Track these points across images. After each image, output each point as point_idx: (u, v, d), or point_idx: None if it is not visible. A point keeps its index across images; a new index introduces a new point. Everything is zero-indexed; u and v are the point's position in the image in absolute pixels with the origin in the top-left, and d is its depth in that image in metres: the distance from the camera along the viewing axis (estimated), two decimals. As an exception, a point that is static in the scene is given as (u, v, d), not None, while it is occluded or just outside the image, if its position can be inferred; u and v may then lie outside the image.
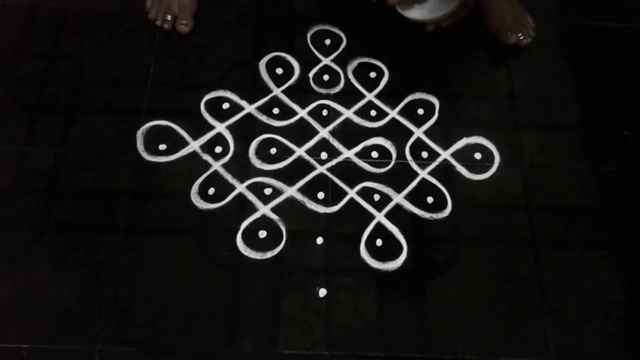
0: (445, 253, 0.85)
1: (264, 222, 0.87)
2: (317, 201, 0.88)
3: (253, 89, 0.98)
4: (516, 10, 1.03)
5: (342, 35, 1.04)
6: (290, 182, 0.90)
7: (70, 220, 0.86)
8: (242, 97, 0.97)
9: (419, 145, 0.94)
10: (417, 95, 0.98)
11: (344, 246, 0.85)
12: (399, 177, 0.91)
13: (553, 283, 0.83)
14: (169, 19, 1.02)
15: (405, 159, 0.92)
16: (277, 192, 0.89)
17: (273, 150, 0.92)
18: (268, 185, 0.89)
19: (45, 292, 0.81)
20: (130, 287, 0.81)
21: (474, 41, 1.04)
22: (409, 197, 0.89)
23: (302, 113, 0.96)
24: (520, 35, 1.02)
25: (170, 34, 1.03)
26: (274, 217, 0.87)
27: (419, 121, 0.96)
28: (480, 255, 0.85)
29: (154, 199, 0.88)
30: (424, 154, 0.93)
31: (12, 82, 0.98)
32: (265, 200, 0.88)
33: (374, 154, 0.93)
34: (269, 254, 0.84)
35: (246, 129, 0.94)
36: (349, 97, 0.98)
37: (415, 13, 0.98)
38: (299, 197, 0.89)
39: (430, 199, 0.89)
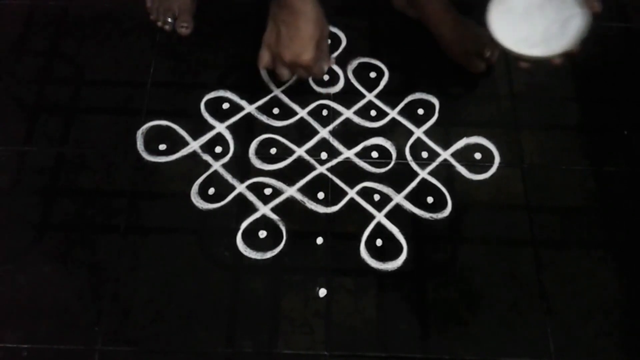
0: (445, 253, 0.85)
1: (264, 222, 0.87)
2: (317, 201, 0.88)
3: (253, 89, 0.98)
4: (467, 26, 0.97)
5: (342, 35, 1.04)
6: (290, 182, 0.90)
7: (70, 220, 0.86)
8: (242, 97, 0.97)
9: (419, 145, 0.94)
10: (417, 95, 0.98)
11: (344, 246, 0.85)
12: (399, 177, 0.91)
13: (553, 283, 0.83)
14: (169, 20, 1.02)
15: (405, 159, 0.92)
16: (277, 192, 0.89)
17: (273, 150, 0.92)
18: (268, 185, 0.89)
19: (45, 292, 0.81)
20: (130, 287, 0.81)
21: (474, 41, 1.04)
22: (409, 197, 0.89)
23: (302, 113, 0.96)
24: (487, 53, 0.96)
25: (170, 33, 1.03)
26: (274, 217, 0.87)
27: (419, 121, 0.96)
28: (480, 255, 0.85)
29: (154, 199, 0.88)
30: (424, 154, 0.93)
31: (12, 82, 0.98)
32: (265, 200, 0.88)
33: (374, 154, 0.93)
34: (269, 254, 0.84)
35: (246, 129, 0.94)
36: (349, 97, 0.98)
37: (532, 51, 0.80)
38: (299, 197, 0.89)
39: (430, 199, 0.89)
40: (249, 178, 0.90)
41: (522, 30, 0.80)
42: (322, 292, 0.82)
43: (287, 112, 0.96)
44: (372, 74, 1.00)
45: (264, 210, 0.88)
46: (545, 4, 0.80)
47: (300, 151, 0.92)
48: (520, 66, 0.80)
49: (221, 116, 0.95)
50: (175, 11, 1.03)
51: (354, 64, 1.01)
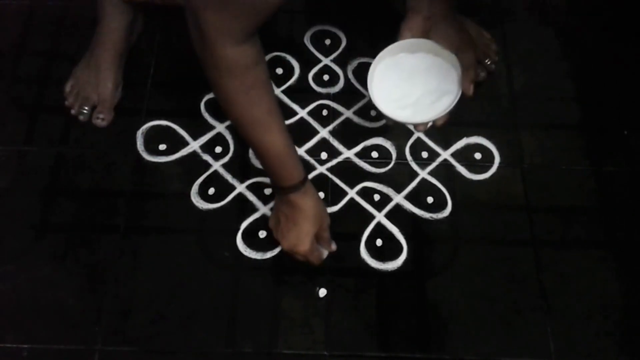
0: (445, 253, 0.85)
1: (264, 222, 0.86)
2: (317, 201, 0.88)
3: (253, 89, 0.98)
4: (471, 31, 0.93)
5: (342, 35, 1.04)
6: (290, 182, 0.90)
7: (70, 220, 0.86)
8: (242, 97, 0.97)
9: (419, 145, 0.94)
10: (417, 95, 0.98)
11: (344, 246, 0.85)
12: (399, 177, 0.91)
13: (553, 283, 0.83)
14: (85, 111, 0.93)
15: (405, 159, 0.92)
16: (277, 192, 0.89)
17: (273, 150, 0.92)
18: (268, 185, 0.89)
19: (46, 292, 0.81)
20: (130, 287, 0.81)
21: (474, 41, 1.04)
22: (409, 197, 0.89)
23: (302, 113, 0.96)
24: (487, 61, 0.97)
25: (170, 33, 1.03)
26: (274, 217, 0.87)
27: (419, 121, 0.96)
28: (480, 255, 0.85)
29: (154, 199, 0.88)
30: (424, 154, 0.93)
31: (12, 82, 0.98)
32: (265, 200, 0.88)
33: (374, 154, 0.93)
34: (269, 254, 0.84)
35: (246, 129, 0.94)
36: (349, 97, 0.98)
37: (398, 114, 0.79)
38: (299, 197, 0.88)
39: (430, 199, 0.89)
40: (249, 178, 0.90)
41: (397, 91, 0.79)
42: (322, 292, 0.82)
43: (287, 112, 0.96)
44: (372, 74, 1.00)
45: (264, 210, 0.88)
46: (430, 70, 0.80)
47: (300, 151, 0.92)
48: (387, 123, 0.78)
49: (221, 116, 0.95)
50: (95, 101, 0.94)
51: (354, 64, 1.01)
